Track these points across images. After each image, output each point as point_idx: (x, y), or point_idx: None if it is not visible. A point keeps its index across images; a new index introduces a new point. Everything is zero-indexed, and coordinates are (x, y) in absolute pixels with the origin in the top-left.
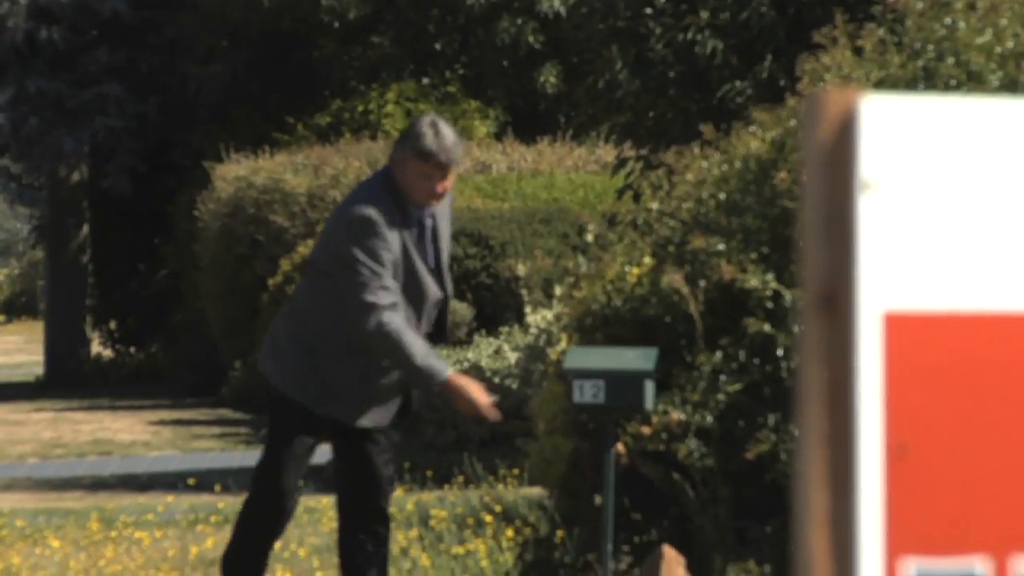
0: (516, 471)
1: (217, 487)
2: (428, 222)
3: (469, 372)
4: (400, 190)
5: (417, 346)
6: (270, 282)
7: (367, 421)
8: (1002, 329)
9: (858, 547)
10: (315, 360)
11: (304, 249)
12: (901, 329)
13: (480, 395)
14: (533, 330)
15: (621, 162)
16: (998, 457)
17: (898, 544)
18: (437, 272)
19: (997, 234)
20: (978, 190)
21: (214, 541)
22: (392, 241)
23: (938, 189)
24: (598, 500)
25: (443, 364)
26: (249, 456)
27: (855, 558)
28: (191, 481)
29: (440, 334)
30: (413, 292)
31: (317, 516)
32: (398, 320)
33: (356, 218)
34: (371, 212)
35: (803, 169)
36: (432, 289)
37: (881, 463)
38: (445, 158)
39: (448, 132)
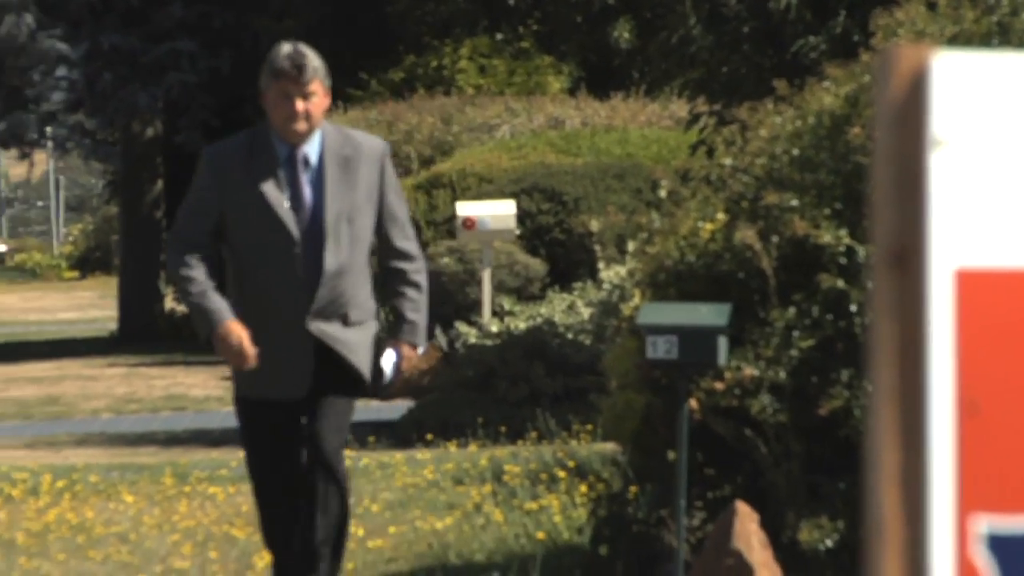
0: (589, 427)
1: None
2: (309, 167)
3: (542, 327)
4: (272, 129)
5: (198, 288)
6: None
7: (281, 391)
8: None
9: (929, 504)
10: None
11: None
12: (973, 286)
13: (237, 350)
14: (606, 286)
15: (694, 117)
16: None
17: (969, 502)
18: (314, 227)
19: None
20: None
21: None
22: (227, 183)
23: (1010, 146)
24: (671, 456)
25: (221, 311)
26: None
27: (926, 515)
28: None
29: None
30: (266, 240)
31: (390, 471)
32: (190, 260)
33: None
34: (210, 151)
35: (876, 125)
36: (291, 235)
37: (952, 420)
38: (296, 66)
39: (302, 48)
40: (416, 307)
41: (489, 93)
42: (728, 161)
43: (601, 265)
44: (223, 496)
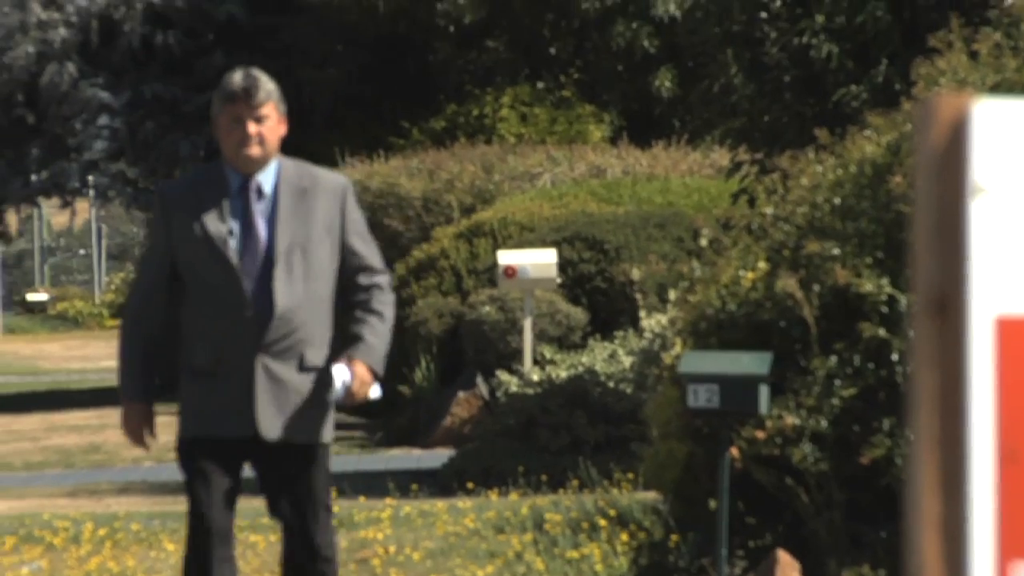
0: (630, 475)
1: (333, 492)
2: (263, 197)
3: (583, 376)
4: (225, 159)
5: (128, 355)
6: None
7: (228, 429)
8: None
9: (970, 551)
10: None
11: (419, 253)
12: (1014, 334)
13: (134, 434)
14: (647, 334)
15: (736, 166)
16: None
17: (1010, 549)
18: (268, 258)
19: None
20: None
21: None
22: (176, 218)
23: None
24: (712, 504)
25: (134, 387)
26: (364, 460)
27: (967, 562)
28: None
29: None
30: (213, 272)
31: (431, 520)
32: (135, 317)
33: None
34: (160, 187)
35: (917, 173)
36: (236, 267)
37: (993, 468)
38: (247, 88)
39: (254, 72)
40: (375, 332)
41: (530, 142)
42: (769, 210)
43: (642, 314)
44: (264, 544)
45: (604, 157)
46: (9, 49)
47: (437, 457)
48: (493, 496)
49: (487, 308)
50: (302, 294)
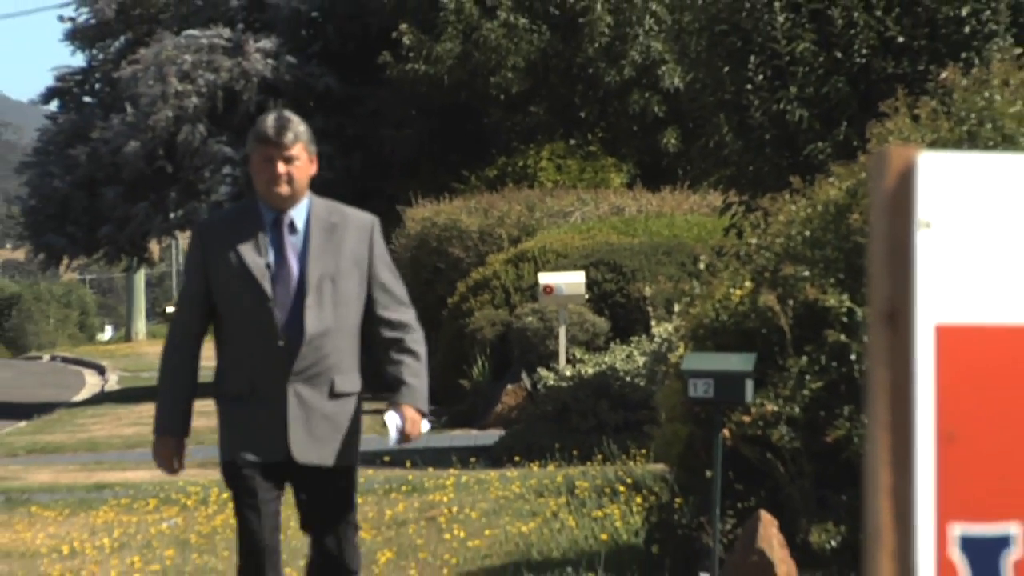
0: (643, 451)
1: (408, 463)
2: (295, 232)
3: (606, 372)
4: (259, 196)
5: (165, 388)
6: (449, 301)
7: (263, 454)
8: None
9: (915, 514)
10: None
11: (476, 275)
12: (950, 339)
13: (164, 462)
14: (657, 339)
15: (727, 206)
16: None
17: (947, 512)
18: (300, 289)
19: None
20: (1012, 224)
21: (404, 506)
22: (212, 250)
23: (980, 226)
24: (708, 474)
25: (169, 422)
26: (434, 439)
27: (913, 523)
28: (386, 459)
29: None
30: (247, 301)
31: (485, 486)
32: (173, 354)
33: None
34: (199, 224)
35: (872, 211)
36: (270, 296)
37: (933, 448)
38: (278, 129)
39: (287, 114)
40: (414, 372)
41: (564, 187)
42: (754, 240)
43: (653, 323)
44: None
45: (622, 199)
46: (153, 113)
47: (490, 436)
48: (534, 467)
49: (530, 318)
50: (331, 323)
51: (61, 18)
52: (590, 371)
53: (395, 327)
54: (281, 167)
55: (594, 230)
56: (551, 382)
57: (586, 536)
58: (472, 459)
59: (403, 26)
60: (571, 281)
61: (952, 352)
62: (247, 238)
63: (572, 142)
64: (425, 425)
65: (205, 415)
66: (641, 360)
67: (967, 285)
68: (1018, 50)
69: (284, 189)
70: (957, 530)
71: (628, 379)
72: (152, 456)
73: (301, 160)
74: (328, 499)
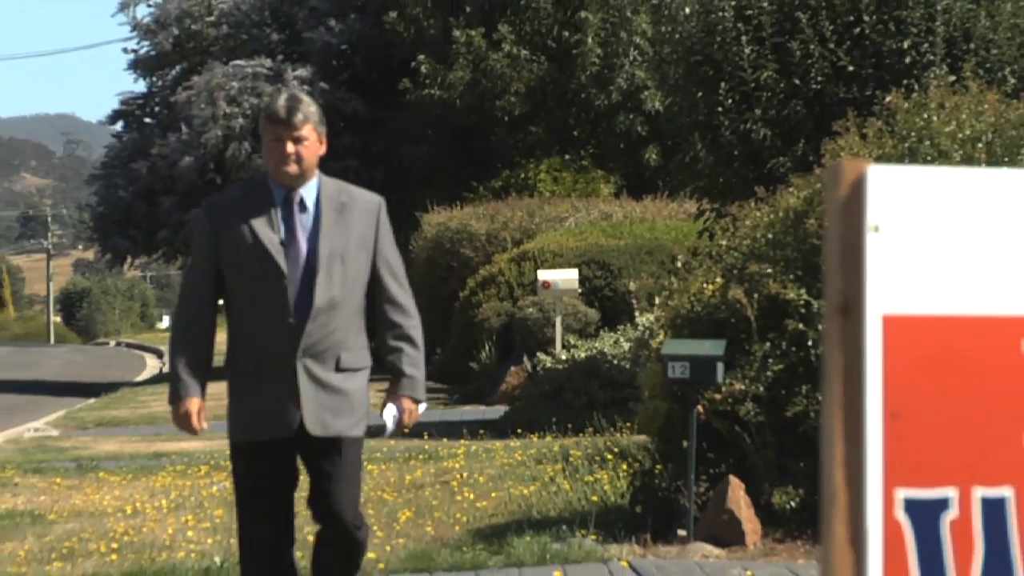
0: (629, 424)
1: (425, 435)
2: (305, 210)
3: (596, 356)
4: (269, 175)
5: (179, 360)
6: (460, 294)
7: (271, 431)
8: (967, 327)
9: (865, 480)
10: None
11: (484, 272)
12: (896, 328)
13: (185, 424)
14: (640, 327)
15: (700, 212)
16: (962, 419)
17: (893, 479)
18: (308, 266)
19: (962, 258)
20: (947, 227)
21: (421, 471)
22: (222, 225)
23: (922, 229)
24: (684, 444)
25: (185, 387)
26: (447, 414)
27: (863, 488)
28: (406, 431)
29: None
30: (257, 276)
31: (492, 454)
32: (183, 326)
33: None
34: (208, 199)
35: (827, 216)
36: (281, 270)
37: (881, 423)
38: (288, 109)
39: (297, 94)
40: (413, 362)
41: (560, 196)
42: (724, 242)
43: (637, 313)
44: (377, 471)
45: (610, 206)
46: (204, 132)
47: (496, 412)
48: (534, 439)
49: (530, 310)
50: (339, 300)
51: (125, 50)
52: (582, 355)
53: (398, 309)
54: (291, 147)
55: (586, 233)
56: (549, 365)
57: (579, 498)
58: (480, 431)
59: (420, 57)
60: (566, 277)
61: (897, 339)
62: (259, 215)
63: (567, 157)
64: (422, 407)
65: None
66: (626, 346)
67: (911, 281)
68: (952, 78)
69: (293, 168)
70: (901, 494)
71: (615, 362)
72: (173, 423)
73: (310, 140)
74: (338, 472)
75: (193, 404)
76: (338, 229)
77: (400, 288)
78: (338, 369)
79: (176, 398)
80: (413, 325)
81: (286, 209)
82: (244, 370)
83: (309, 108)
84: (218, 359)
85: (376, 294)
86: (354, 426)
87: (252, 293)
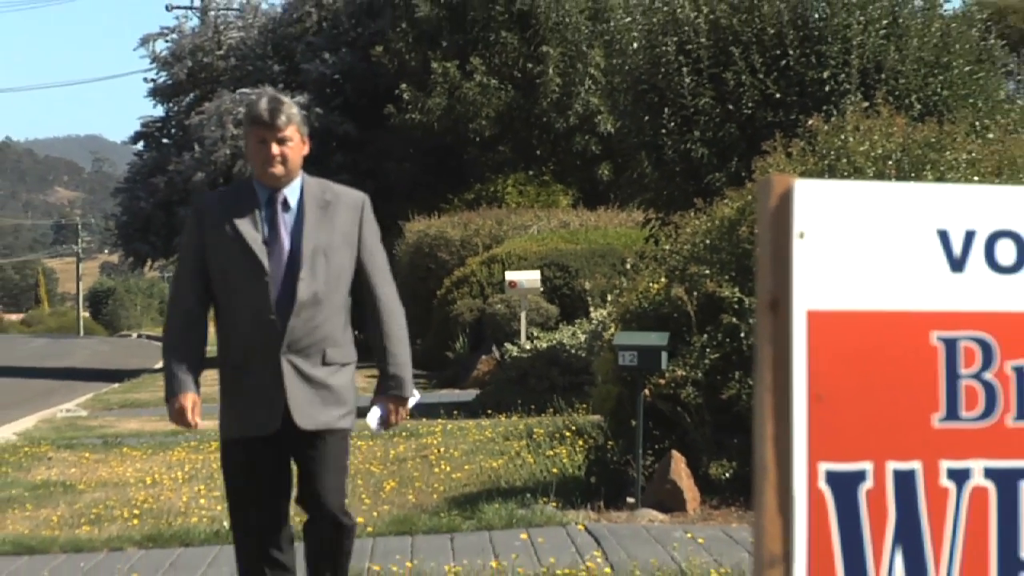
0: (584, 406)
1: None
2: (289, 209)
3: (556, 346)
4: (254, 176)
5: (172, 357)
6: (438, 293)
7: (258, 427)
8: (882, 321)
9: (792, 455)
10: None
11: (458, 273)
12: (819, 322)
13: (181, 421)
14: (594, 321)
15: (647, 221)
16: (878, 402)
17: (816, 454)
18: (292, 263)
19: (877, 260)
20: (864, 234)
21: (404, 447)
22: (209, 225)
23: (841, 234)
24: (633, 423)
25: (179, 383)
26: (425, 396)
27: (790, 461)
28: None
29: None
30: (243, 273)
31: (465, 432)
32: (175, 326)
33: None
34: (196, 199)
35: (758, 224)
36: (265, 267)
37: (806, 405)
38: (270, 112)
39: (279, 96)
40: (397, 361)
41: (524, 207)
42: (667, 247)
43: (591, 309)
44: (365, 447)
45: (568, 216)
46: (215, 152)
47: (469, 395)
48: (502, 418)
49: (499, 306)
50: (323, 296)
51: (145, 80)
52: (544, 345)
53: (384, 304)
54: (275, 148)
55: (547, 239)
56: (515, 354)
57: (541, 470)
58: (455, 412)
59: (403, 86)
60: (530, 278)
61: (820, 332)
62: (244, 214)
63: (530, 173)
64: (411, 401)
65: None
66: (582, 337)
67: (832, 280)
68: (865, 104)
69: (279, 169)
70: (824, 467)
71: (573, 351)
72: (169, 419)
73: (294, 141)
74: (325, 462)
75: (188, 399)
76: (322, 225)
77: (385, 283)
78: (324, 363)
79: (171, 394)
80: (397, 320)
81: (270, 209)
82: (233, 365)
83: (291, 109)
84: (212, 350)
85: (363, 288)
86: (341, 418)
87: (237, 291)
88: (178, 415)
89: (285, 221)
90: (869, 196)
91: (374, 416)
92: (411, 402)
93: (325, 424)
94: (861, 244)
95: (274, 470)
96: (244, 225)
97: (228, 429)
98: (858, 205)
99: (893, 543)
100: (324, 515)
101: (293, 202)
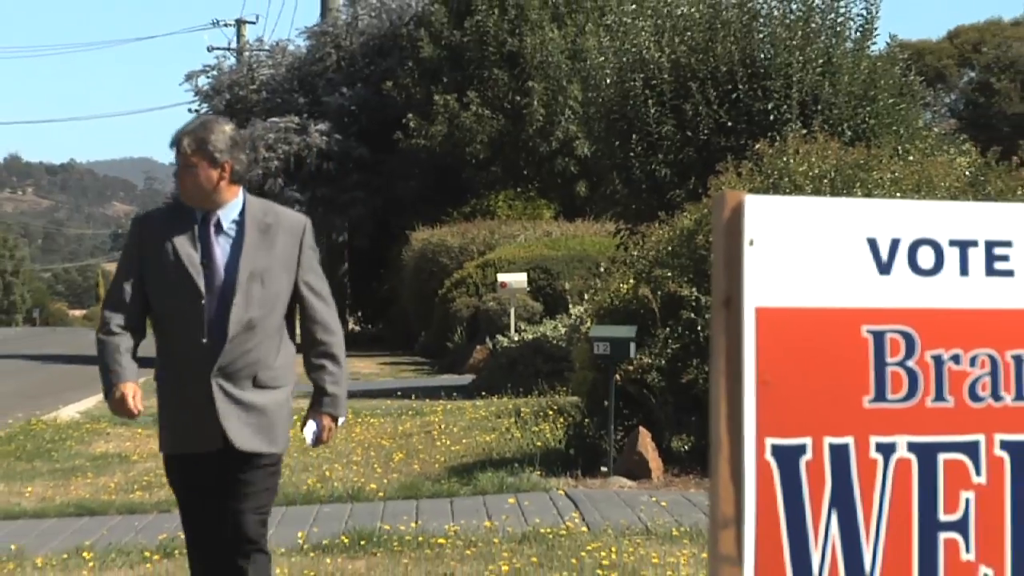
0: (564, 389)
1: (412, 396)
2: (222, 230)
3: (540, 338)
4: None
5: (106, 350)
6: (439, 292)
7: (195, 445)
8: (820, 316)
9: (742, 431)
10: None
11: (457, 275)
12: (766, 317)
13: (122, 409)
14: (573, 317)
15: (618, 231)
16: (816, 386)
17: (764, 430)
18: (226, 287)
19: (815, 264)
20: (805, 241)
21: (410, 424)
22: (147, 242)
23: (785, 242)
24: (606, 404)
25: (116, 375)
26: (431, 381)
27: (741, 437)
28: (399, 393)
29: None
30: (177, 294)
31: (463, 411)
32: (108, 324)
33: None
34: (136, 217)
35: (713, 233)
36: (199, 289)
37: (754, 389)
38: (176, 140)
39: (188, 126)
40: (335, 380)
41: (513, 219)
42: (635, 253)
43: (571, 306)
44: (378, 423)
45: (551, 226)
46: (248, 172)
47: (466, 379)
48: (494, 399)
49: (491, 303)
50: (257, 319)
51: (190, 110)
52: (530, 337)
53: (322, 327)
54: (182, 174)
55: (532, 246)
56: (505, 344)
57: (528, 444)
58: (454, 394)
59: (410, 115)
60: (518, 279)
61: (767, 325)
62: (180, 232)
63: (518, 189)
64: (341, 421)
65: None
66: (563, 330)
67: (778, 281)
68: (804, 131)
69: (186, 196)
70: (770, 442)
71: (555, 342)
72: (111, 410)
73: (200, 168)
74: (248, 486)
75: (127, 388)
76: (261, 249)
77: (324, 306)
78: (255, 386)
79: (109, 386)
80: (336, 342)
81: (203, 229)
82: (167, 381)
83: (200, 134)
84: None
85: (301, 312)
86: (271, 443)
87: (171, 311)
88: (119, 404)
89: (218, 244)
90: (809, 209)
91: (309, 431)
92: (340, 421)
93: (255, 448)
94: (802, 250)
95: (215, 482)
96: (182, 244)
97: (167, 444)
98: (800, 217)
99: (830, 507)
100: (238, 536)
101: (226, 224)
